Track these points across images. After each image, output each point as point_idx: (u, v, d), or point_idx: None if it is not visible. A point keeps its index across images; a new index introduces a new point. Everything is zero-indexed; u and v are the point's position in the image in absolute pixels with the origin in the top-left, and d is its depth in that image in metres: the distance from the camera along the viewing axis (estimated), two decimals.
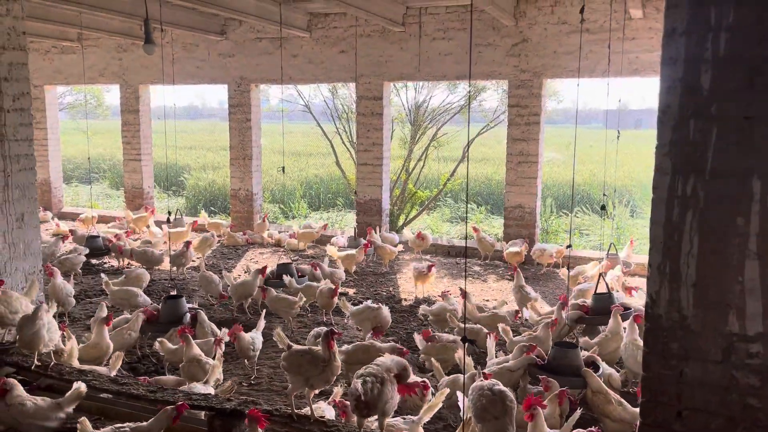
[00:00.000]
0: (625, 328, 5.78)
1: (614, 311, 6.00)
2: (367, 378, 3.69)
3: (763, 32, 2.51)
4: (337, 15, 11.75)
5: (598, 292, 6.67)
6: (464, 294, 6.54)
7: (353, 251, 10.00)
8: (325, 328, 6.29)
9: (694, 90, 2.64)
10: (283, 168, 9.45)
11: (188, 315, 6.42)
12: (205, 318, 6.44)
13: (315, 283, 7.96)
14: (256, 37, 12.63)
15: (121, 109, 14.39)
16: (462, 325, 6.27)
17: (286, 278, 8.07)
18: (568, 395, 4.52)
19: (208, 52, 13.10)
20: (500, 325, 6.21)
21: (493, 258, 10.92)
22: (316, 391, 4.44)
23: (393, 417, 4.03)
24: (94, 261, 10.45)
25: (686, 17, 2.64)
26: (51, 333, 4.93)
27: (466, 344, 4.26)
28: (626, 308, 6.34)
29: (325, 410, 4.41)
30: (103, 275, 8.04)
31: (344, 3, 8.98)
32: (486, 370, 4.98)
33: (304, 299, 7.45)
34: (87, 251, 9.43)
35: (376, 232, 10.97)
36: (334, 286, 7.47)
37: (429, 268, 8.72)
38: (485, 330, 6.17)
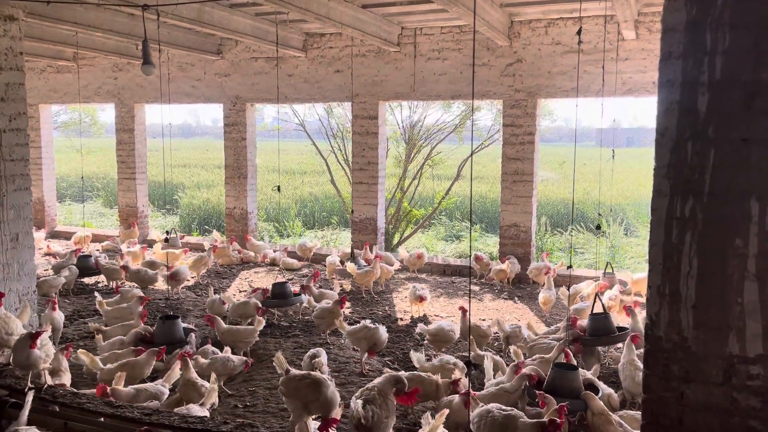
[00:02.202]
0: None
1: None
2: (368, 402, 3.68)
3: (759, 56, 2.54)
4: (333, 35, 11.83)
5: (594, 312, 6.66)
6: (464, 311, 6.53)
7: (370, 268, 9.81)
8: (321, 350, 6.27)
9: (691, 112, 2.67)
10: (279, 187, 9.42)
11: (192, 335, 6.37)
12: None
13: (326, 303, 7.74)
14: (251, 57, 12.69)
15: (116, 128, 14.38)
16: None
17: (305, 297, 8.00)
18: (567, 416, 4.49)
19: (204, 71, 13.15)
20: (511, 347, 6.28)
21: (488, 277, 10.91)
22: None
23: None
24: (86, 280, 10.39)
25: (682, 41, 2.67)
26: (46, 349, 4.91)
27: (471, 368, 4.23)
28: (623, 329, 6.34)
29: None
30: (96, 294, 8.00)
31: (340, 23, 9.05)
32: (484, 391, 4.97)
33: (263, 324, 6.97)
34: (68, 273, 9.33)
35: (371, 251, 10.93)
36: (337, 302, 7.36)
37: (420, 299, 8.65)
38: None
